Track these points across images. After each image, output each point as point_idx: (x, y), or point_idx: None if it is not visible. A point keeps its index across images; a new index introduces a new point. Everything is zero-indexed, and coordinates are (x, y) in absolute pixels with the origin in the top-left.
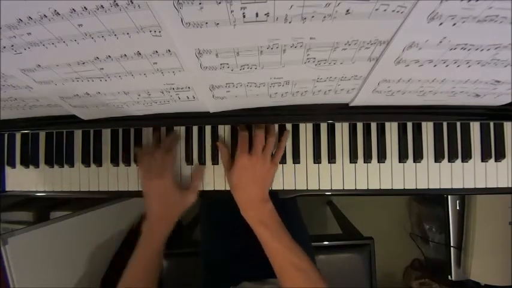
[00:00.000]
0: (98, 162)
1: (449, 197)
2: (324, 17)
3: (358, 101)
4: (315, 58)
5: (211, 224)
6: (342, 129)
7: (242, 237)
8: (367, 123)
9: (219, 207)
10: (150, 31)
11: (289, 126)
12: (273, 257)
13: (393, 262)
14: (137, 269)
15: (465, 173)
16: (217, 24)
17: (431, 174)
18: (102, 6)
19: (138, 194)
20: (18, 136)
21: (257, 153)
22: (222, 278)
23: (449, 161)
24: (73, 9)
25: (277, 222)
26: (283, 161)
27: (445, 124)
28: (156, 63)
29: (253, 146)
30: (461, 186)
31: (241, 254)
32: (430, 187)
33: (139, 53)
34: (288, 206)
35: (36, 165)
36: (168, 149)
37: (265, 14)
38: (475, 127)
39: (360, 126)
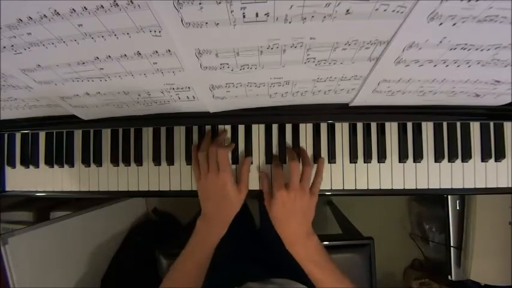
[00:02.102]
0: (98, 162)
1: (449, 197)
2: (324, 17)
3: (358, 101)
4: (315, 58)
5: None
6: (342, 129)
7: (243, 237)
8: (367, 123)
9: None
10: (150, 31)
11: (289, 126)
12: None
13: (393, 262)
14: (188, 267)
15: (465, 173)
16: (217, 24)
17: (431, 174)
18: (102, 6)
19: (137, 194)
20: (18, 136)
21: (294, 186)
22: (224, 279)
23: (449, 161)
24: (73, 9)
25: (324, 256)
26: (283, 161)
27: (445, 124)
28: (156, 63)
29: (290, 179)
30: (461, 186)
31: (243, 254)
32: (430, 187)
33: (139, 53)
34: None
35: (36, 165)
36: (221, 144)
37: (265, 14)
38: (475, 127)
39: (360, 126)
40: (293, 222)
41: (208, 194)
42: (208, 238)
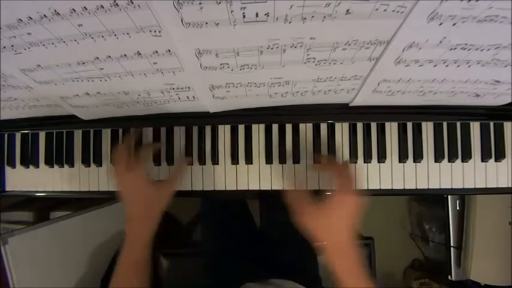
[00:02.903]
0: (98, 162)
1: (449, 197)
2: (324, 17)
3: (358, 101)
4: (315, 58)
5: (212, 224)
6: (342, 129)
7: (243, 237)
8: (367, 123)
9: (220, 207)
10: (150, 31)
11: (289, 126)
12: None
13: (393, 262)
14: (126, 271)
15: (465, 173)
16: (217, 24)
17: (431, 174)
18: (102, 6)
19: None
20: (18, 136)
21: (353, 192)
22: (223, 278)
23: (449, 161)
24: (73, 9)
25: (361, 267)
26: (282, 160)
27: (445, 124)
28: (156, 63)
29: (348, 183)
30: (461, 186)
31: (243, 254)
32: (430, 187)
33: (139, 53)
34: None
35: (36, 165)
36: (135, 145)
37: (265, 14)
38: (475, 127)
39: (360, 126)
40: (344, 231)
41: (127, 194)
42: (136, 238)
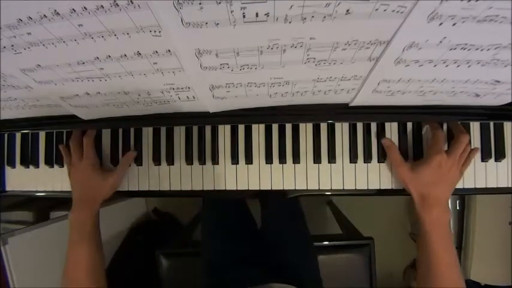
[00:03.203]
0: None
1: None
2: (324, 17)
3: (358, 101)
4: (315, 58)
5: (212, 224)
6: (342, 129)
7: (243, 239)
8: (367, 123)
9: (220, 207)
10: (150, 31)
11: (289, 126)
12: (438, 267)
13: (393, 262)
14: (76, 260)
15: (465, 173)
16: (217, 24)
17: None
18: (102, 6)
19: (137, 194)
20: (18, 136)
21: (455, 156)
22: (223, 279)
23: None
24: (73, 9)
25: (451, 235)
26: (282, 160)
27: (445, 124)
28: (156, 63)
29: (454, 148)
30: (461, 186)
31: (243, 254)
32: None
33: (139, 53)
34: (290, 206)
35: (36, 165)
36: (86, 136)
37: (265, 14)
38: (475, 127)
39: (360, 126)
40: (440, 187)
41: (75, 181)
42: (80, 223)
